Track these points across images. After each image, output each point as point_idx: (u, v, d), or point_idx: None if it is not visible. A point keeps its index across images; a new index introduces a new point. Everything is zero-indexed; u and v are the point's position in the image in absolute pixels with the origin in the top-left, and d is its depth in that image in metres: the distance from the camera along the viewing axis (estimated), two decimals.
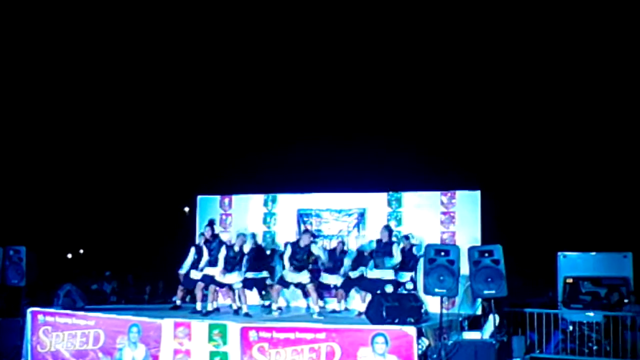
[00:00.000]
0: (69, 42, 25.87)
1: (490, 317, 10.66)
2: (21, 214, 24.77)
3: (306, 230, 13.02)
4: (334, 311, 12.81)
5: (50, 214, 28.11)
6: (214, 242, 12.16)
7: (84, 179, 28.99)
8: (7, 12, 22.52)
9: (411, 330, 9.31)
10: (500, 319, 10.72)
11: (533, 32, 25.64)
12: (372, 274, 12.25)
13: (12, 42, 23.66)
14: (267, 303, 13.12)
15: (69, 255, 31.88)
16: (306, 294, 12.80)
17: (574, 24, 24.69)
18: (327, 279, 13.03)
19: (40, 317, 11.56)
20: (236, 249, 12.20)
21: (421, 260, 12.65)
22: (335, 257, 13.03)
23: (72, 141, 28.05)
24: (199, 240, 13.06)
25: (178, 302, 12.87)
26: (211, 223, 12.65)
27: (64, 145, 27.87)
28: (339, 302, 13.02)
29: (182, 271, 12.93)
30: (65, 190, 28.70)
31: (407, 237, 13.00)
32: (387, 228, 12.50)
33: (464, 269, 10.66)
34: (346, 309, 13.01)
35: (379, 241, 12.36)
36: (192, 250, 12.77)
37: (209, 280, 12.07)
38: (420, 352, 9.29)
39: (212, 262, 12.01)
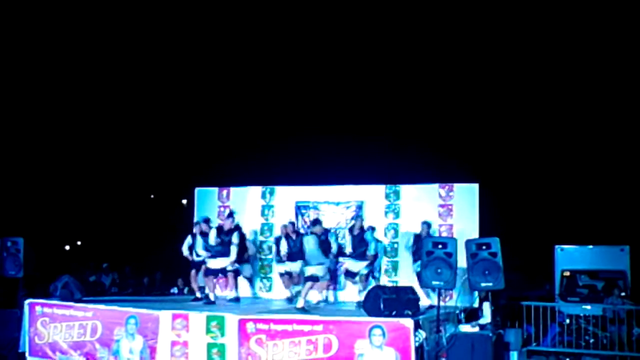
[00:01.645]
0: (65, 35, 25.80)
1: (485, 304, 10.71)
2: (19, 205, 24.74)
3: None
4: (326, 301, 12.98)
5: (48, 205, 28.08)
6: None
7: (82, 170, 28.94)
8: (7, 12, 22.50)
9: (408, 323, 9.32)
10: (496, 312, 10.73)
11: (531, 26, 25.62)
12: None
13: (11, 39, 23.62)
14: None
15: (67, 247, 31.87)
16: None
17: (571, 18, 24.68)
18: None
19: (38, 308, 11.58)
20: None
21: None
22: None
23: (70, 133, 28.00)
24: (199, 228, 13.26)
25: (198, 295, 13.05)
26: (231, 214, 13.09)
27: (61, 137, 27.81)
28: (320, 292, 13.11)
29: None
30: (63, 181, 28.66)
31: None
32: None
33: (462, 261, 10.69)
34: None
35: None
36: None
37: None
38: (417, 344, 9.31)
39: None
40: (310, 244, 11.76)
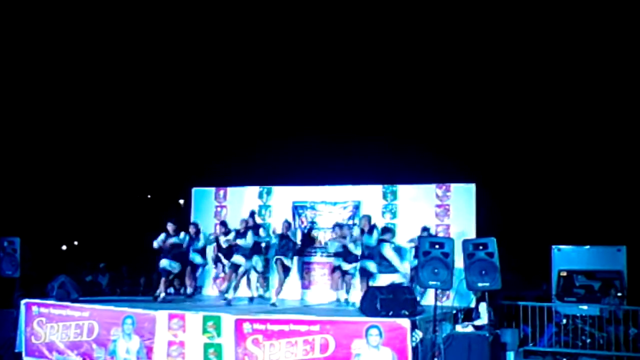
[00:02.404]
0: (64, 35, 25.79)
1: (482, 305, 10.71)
2: (16, 205, 24.71)
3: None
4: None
5: (45, 205, 28.05)
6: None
7: (79, 170, 28.93)
8: (7, 12, 22.50)
9: (405, 323, 9.32)
10: (491, 312, 10.71)
11: (529, 26, 25.65)
12: None
13: (10, 38, 23.61)
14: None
15: (64, 247, 31.84)
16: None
17: (569, 17, 24.71)
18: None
19: (34, 308, 11.57)
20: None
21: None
22: None
23: (67, 133, 27.98)
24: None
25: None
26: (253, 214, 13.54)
27: (59, 137, 27.79)
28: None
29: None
30: (60, 181, 28.63)
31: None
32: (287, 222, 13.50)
33: (459, 261, 10.68)
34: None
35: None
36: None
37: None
38: (414, 344, 9.31)
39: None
40: (388, 251, 11.76)
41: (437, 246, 10.46)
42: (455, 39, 26.05)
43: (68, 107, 27.60)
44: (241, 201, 15.14)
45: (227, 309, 11.15)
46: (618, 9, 23.38)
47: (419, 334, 9.47)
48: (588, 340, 13.24)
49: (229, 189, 15.48)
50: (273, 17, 26.36)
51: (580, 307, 14.32)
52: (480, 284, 10.17)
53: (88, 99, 27.92)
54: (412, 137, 25.76)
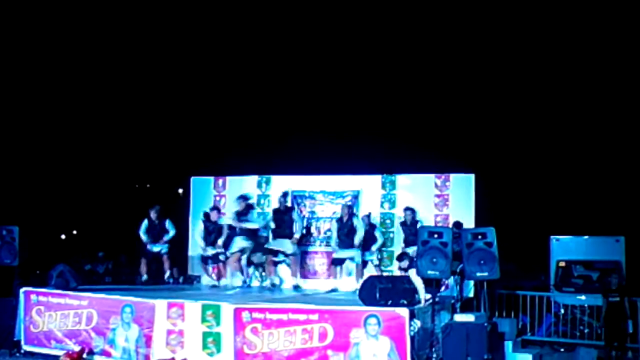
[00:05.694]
0: (61, 26, 25.68)
1: None
2: (15, 193, 24.67)
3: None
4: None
5: (44, 194, 28.01)
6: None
7: (78, 159, 28.87)
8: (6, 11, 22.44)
9: (404, 312, 9.34)
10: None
11: (525, 16, 25.56)
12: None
13: (9, 33, 23.54)
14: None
15: (63, 236, 31.82)
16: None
17: (565, 9, 24.64)
18: None
19: (33, 297, 11.59)
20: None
21: None
22: None
23: (66, 121, 27.91)
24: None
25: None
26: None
27: (57, 125, 27.72)
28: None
29: None
30: (59, 170, 28.58)
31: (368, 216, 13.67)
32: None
33: None
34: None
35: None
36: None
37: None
38: (412, 333, 9.33)
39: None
40: None
41: (435, 235, 10.48)
42: (453, 30, 25.96)
43: (66, 96, 27.51)
44: (240, 190, 15.14)
45: (226, 298, 11.17)
46: (617, 7, 23.30)
47: (417, 324, 9.49)
48: (586, 330, 13.28)
49: (228, 178, 15.51)
50: (271, 8, 26.27)
51: (579, 297, 14.35)
52: (479, 274, 10.20)
53: (86, 88, 27.84)
54: (411, 127, 25.71)
